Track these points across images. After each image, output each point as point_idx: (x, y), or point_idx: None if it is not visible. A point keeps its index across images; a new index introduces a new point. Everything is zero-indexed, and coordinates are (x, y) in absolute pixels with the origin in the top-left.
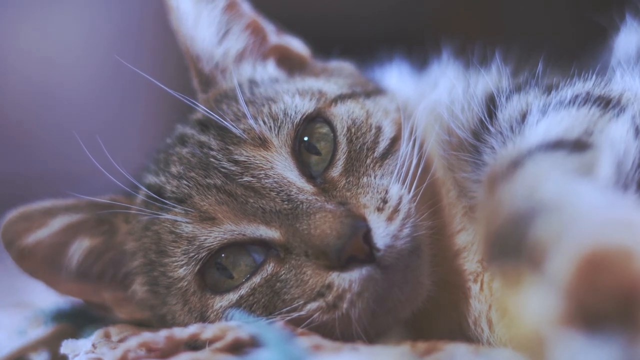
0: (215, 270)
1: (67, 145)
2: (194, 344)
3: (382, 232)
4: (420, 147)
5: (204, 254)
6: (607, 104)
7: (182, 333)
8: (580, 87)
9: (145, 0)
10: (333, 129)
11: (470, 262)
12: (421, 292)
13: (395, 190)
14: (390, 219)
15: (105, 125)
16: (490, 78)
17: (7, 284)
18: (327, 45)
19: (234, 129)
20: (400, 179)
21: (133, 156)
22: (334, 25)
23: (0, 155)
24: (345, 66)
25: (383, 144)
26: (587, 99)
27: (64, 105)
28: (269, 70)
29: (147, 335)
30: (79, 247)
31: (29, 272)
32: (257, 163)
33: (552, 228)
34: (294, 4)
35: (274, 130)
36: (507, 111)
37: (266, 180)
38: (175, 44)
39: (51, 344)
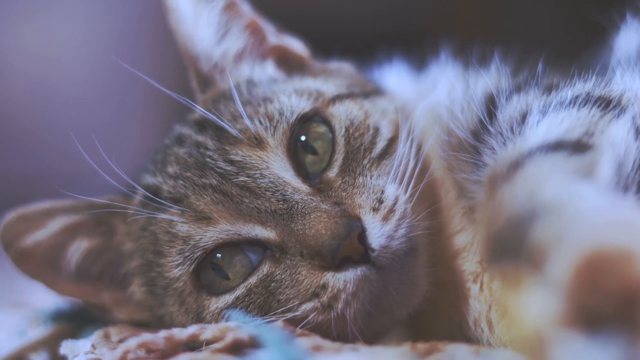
0: (211, 270)
1: (66, 145)
2: (194, 345)
3: (377, 232)
4: (419, 147)
5: (199, 253)
6: (607, 104)
7: (181, 334)
8: (580, 87)
9: (144, 0)
10: (332, 129)
11: (470, 263)
12: (417, 293)
13: (391, 191)
14: (385, 219)
15: (104, 125)
16: (490, 78)
17: (7, 284)
18: (327, 45)
19: (230, 129)
20: (397, 179)
21: (133, 156)
22: (334, 25)
23: None
24: (344, 67)
25: (380, 145)
26: (587, 100)
27: (63, 105)
28: (268, 70)
29: (146, 336)
30: (78, 248)
31: (28, 274)
32: (252, 163)
33: (552, 230)
34: (294, 4)
35: (270, 130)
36: (507, 112)
37: (262, 180)
38: (174, 44)
39: (51, 344)
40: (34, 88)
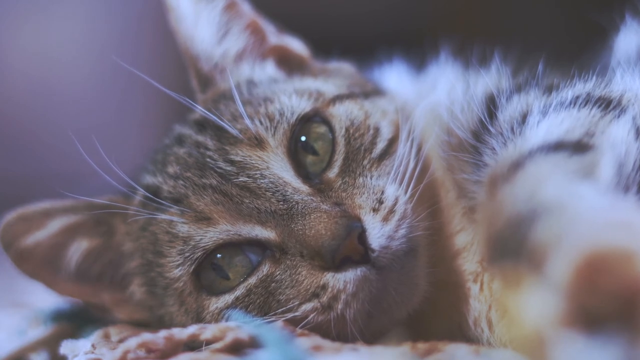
0: (211, 270)
1: (66, 145)
2: (194, 345)
3: (377, 232)
4: (419, 148)
5: (199, 253)
6: (607, 105)
7: (181, 333)
8: (580, 87)
9: (144, 0)
10: (332, 129)
11: (470, 263)
12: (417, 293)
13: (391, 191)
14: (385, 219)
15: (104, 125)
16: (490, 78)
17: (7, 284)
18: (327, 45)
19: (230, 129)
20: (397, 179)
21: (133, 156)
22: (334, 25)
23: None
24: (344, 67)
25: (380, 145)
26: (587, 100)
27: (63, 105)
28: (268, 70)
29: (146, 336)
30: (78, 249)
31: (28, 274)
32: (252, 163)
33: (552, 230)
34: (294, 4)
35: (270, 130)
36: (508, 112)
37: (262, 181)
38: (174, 44)
39: (51, 344)
40: (34, 88)
